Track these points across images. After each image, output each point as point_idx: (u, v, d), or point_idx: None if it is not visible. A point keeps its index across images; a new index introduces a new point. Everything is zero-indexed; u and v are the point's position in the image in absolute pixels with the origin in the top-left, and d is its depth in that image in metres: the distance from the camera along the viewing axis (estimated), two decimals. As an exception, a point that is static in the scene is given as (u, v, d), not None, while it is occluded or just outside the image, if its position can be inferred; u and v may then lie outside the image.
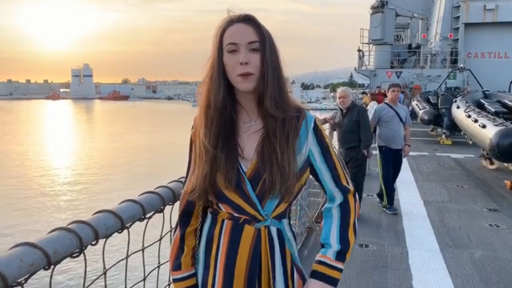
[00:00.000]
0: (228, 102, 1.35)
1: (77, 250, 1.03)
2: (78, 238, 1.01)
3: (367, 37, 25.57)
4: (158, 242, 1.51)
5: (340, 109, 5.86)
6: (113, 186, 18.34)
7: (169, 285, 1.53)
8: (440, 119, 13.48)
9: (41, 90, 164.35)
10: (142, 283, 1.43)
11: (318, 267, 1.37)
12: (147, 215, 1.34)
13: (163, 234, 1.52)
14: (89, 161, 26.90)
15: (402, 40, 30.76)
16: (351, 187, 1.47)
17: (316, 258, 1.40)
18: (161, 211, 1.44)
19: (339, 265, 1.37)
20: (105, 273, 1.22)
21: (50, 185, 20.07)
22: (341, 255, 1.38)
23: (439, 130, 14.57)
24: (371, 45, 25.72)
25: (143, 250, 1.41)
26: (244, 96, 1.37)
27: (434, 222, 5.53)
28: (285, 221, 1.40)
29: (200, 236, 1.45)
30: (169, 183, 1.54)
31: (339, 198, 1.45)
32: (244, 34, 1.30)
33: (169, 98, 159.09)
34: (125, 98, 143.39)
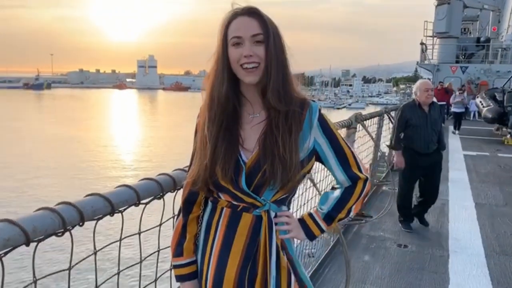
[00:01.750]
0: (231, 95, 1.37)
1: (61, 230, 1.10)
2: (61, 218, 1.08)
3: (431, 29, 24.43)
4: (158, 227, 1.57)
5: (418, 105, 4.85)
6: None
7: (170, 270, 1.58)
8: (506, 117, 12.69)
9: (109, 79, 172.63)
10: (139, 266, 1.49)
11: (306, 218, 1.52)
12: (143, 201, 1.39)
13: (163, 221, 1.57)
14: (147, 149, 28.02)
15: (470, 33, 29.11)
16: (363, 175, 1.50)
17: (309, 211, 1.56)
18: (161, 197, 1.49)
19: (323, 225, 1.52)
20: (95, 253, 1.28)
21: (114, 170, 21.20)
22: (328, 218, 1.51)
23: (504, 129, 13.71)
24: (435, 38, 24.56)
25: (139, 234, 1.47)
26: (249, 89, 1.39)
27: (483, 226, 5.24)
28: (284, 208, 1.45)
29: (200, 224, 1.48)
30: (173, 171, 1.59)
31: (346, 184, 1.51)
32: (248, 27, 1.31)
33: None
34: (186, 89, 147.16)
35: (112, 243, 1.37)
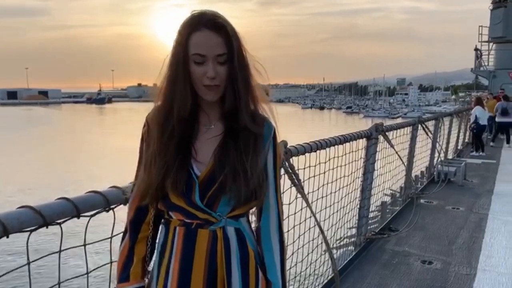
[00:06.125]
0: (192, 108, 1.31)
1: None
2: (-19, 229, 1.14)
3: (487, 34, 23.28)
4: (109, 240, 1.60)
5: None
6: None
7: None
8: None
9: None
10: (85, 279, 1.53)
11: None
12: (85, 214, 1.43)
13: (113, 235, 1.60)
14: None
15: (531, 36, 27.40)
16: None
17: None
18: (108, 210, 1.52)
19: None
20: (28, 264, 1.33)
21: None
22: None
23: None
24: (491, 44, 23.36)
25: (84, 245, 1.51)
26: (207, 102, 1.33)
27: (521, 243, 4.88)
28: (243, 219, 1.36)
29: (151, 248, 1.41)
30: (110, 187, 1.57)
31: (274, 213, 1.42)
32: (212, 45, 1.24)
33: (280, 101, 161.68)
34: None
35: (51, 254, 1.41)
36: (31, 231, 1.30)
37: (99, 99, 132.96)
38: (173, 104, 1.29)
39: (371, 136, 4.48)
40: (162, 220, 1.38)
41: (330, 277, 3.71)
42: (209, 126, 1.35)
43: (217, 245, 1.30)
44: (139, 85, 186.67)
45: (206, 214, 1.29)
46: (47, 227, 1.34)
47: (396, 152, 4.93)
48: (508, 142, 13.47)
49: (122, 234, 1.45)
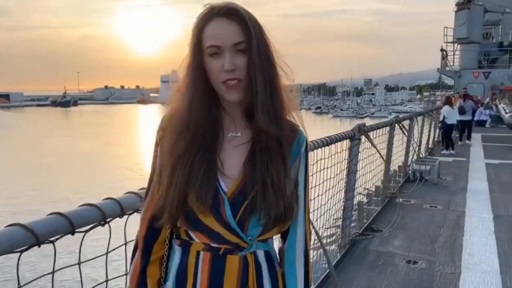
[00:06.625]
0: (213, 112, 1.15)
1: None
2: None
3: (452, 36, 23.97)
4: (105, 256, 1.47)
5: None
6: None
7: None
8: (530, 123, 12.23)
9: (133, 95, 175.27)
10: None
11: None
12: (79, 229, 1.29)
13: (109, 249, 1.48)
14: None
15: (492, 38, 28.41)
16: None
17: None
18: (104, 224, 1.39)
19: None
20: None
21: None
22: None
23: (529, 135, 13.22)
24: (456, 44, 24.07)
25: (79, 264, 1.38)
26: (231, 103, 1.15)
27: (500, 240, 4.97)
28: (270, 240, 1.21)
29: (167, 270, 1.22)
30: (105, 199, 1.43)
31: (301, 234, 1.24)
32: (227, 33, 1.08)
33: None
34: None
35: (45, 275, 1.28)
36: (22, 251, 1.17)
37: (64, 102, 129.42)
38: (191, 110, 1.12)
39: (354, 137, 4.45)
40: (178, 241, 1.19)
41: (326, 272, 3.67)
42: (235, 134, 1.17)
43: (248, 272, 1.14)
44: (106, 87, 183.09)
45: (237, 238, 1.12)
46: (39, 246, 1.21)
47: (378, 152, 4.94)
48: (468, 139, 13.86)
49: (129, 247, 1.33)
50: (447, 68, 23.94)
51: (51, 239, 1.23)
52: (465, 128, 14.03)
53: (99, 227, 1.39)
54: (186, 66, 1.15)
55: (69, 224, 1.26)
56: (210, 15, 1.10)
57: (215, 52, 1.09)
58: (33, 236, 1.15)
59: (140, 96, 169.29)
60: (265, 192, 1.10)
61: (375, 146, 4.73)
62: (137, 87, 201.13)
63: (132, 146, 37.63)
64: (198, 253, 1.14)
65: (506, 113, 13.34)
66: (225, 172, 1.13)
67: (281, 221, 1.13)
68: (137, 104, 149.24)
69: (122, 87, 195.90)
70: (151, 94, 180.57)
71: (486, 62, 23.71)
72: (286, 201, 1.12)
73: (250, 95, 1.11)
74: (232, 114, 1.17)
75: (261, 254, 1.16)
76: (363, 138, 4.68)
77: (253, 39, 1.08)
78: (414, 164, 8.45)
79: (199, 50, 1.11)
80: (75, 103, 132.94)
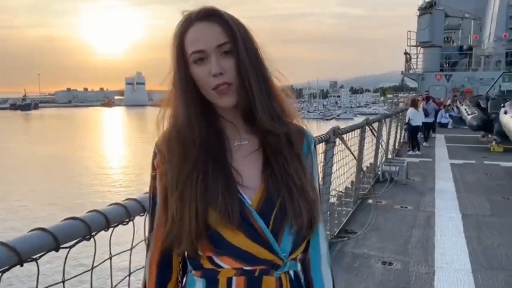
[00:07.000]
0: (211, 125, 1.07)
1: None
2: None
3: (415, 39, 24.69)
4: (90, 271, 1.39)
5: None
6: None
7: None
8: (491, 124, 12.70)
9: (97, 97, 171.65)
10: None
11: None
12: (64, 245, 1.21)
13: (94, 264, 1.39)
14: (132, 165, 27.68)
15: (453, 41, 29.48)
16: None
17: None
18: (90, 238, 1.30)
19: None
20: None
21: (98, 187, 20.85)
22: None
23: (490, 136, 13.73)
24: (419, 48, 24.81)
25: (63, 282, 1.29)
26: (227, 110, 1.08)
27: (469, 239, 5.10)
28: (297, 259, 1.12)
29: None
30: (89, 211, 1.34)
31: (324, 241, 1.20)
32: (209, 35, 1.01)
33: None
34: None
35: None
36: (3, 272, 1.07)
37: (24, 105, 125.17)
38: (191, 124, 1.05)
39: (330, 140, 4.48)
40: (198, 272, 1.07)
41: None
42: (241, 142, 1.09)
43: None
44: (69, 89, 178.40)
45: (272, 255, 1.01)
46: (21, 265, 1.12)
47: (352, 154, 4.98)
48: (426, 140, 14.27)
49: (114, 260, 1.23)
50: (410, 71, 24.64)
51: (34, 256, 1.14)
52: (429, 129, 14.43)
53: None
54: (172, 79, 1.08)
55: (53, 239, 1.17)
56: (189, 21, 1.04)
57: (199, 58, 1.02)
58: (15, 255, 1.06)
59: (105, 99, 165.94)
60: (292, 195, 1.03)
61: (349, 149, 4.77)
62: (101, 89, 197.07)
63: (97, 150, 36.77)
64: (229, 280, 1.02)
65: (468, 114, 13.79)
66: (244, 183, 1.04)
67: (311, 225, 1.05)
68: (102, 107, 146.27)
69: (86, 89, 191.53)
70: (116, 97, 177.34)
71: (447, 65, 24.58)
72: (312, 201, 1.06)
73: (245, 97, 1.04)
74: (233, 121, 1.10)
75: (292, 275, 1.08)
76: (337, 140, 4.72)
77: (238, 39, 1.02)
78: (383, 165, 8.60)
79: (183, 59, 1.05)
80: (36, 106, 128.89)
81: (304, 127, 1.17)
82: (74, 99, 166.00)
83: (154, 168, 1.11)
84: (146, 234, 1.22)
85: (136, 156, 30.88)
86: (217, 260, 1.02)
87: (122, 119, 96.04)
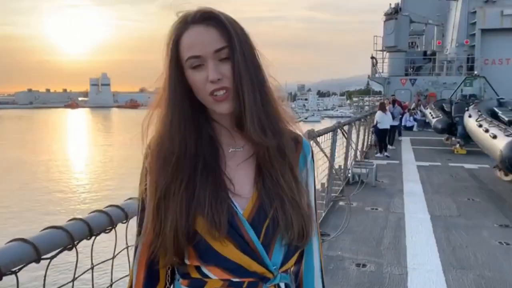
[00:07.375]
0: (204, 127, 1.04)
1: None
2: None
3: (381, 44, 25.27)
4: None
5: None
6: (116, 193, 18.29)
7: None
8: (454, 127, 13.09)
9: (60, 99, 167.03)
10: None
11: None
12: (44, 256, 1.13)
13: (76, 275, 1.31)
14: (99, 169, 27.04)
15: (417, 47, 30.34)
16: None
17: None
18: (72, 248, 1.22)
19: None
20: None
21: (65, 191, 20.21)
22: None
23: (453, 139, 14.16)
24: (385, 52, 25.40)
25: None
26: (223, 116, 1.04)
27: (439, 240, 5.22)
28: (289, 271, 1.09)
29: None
30: (70, 220, 1.27)
31: (317, 254, 1.16)
32: (207, 40, 0.96)
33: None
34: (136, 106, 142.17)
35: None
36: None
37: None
38: (181, 130, 1.01)
39: (304, 143, 4.47)
40: (185, 281, 1.03)
41: None
42: (236, 149, 1.06)
43: None
44: (30, 90, 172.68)
45: (262, 267, 0.98)
46: (0, 280, 1.03)
47: (326, 156, 5.00)
48: (391, 143, 14.57)
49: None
50: (376, 75, 25.16)
51: (14, 269, 1.06)
52: (395, 132, 14.76)
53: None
54: (164, 83, 1.03)
55: (34, 250, 1.09)
56: (184, 24, 0.99)
57: (197, 65, 0.98)
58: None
59: (68, 100, 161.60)
60: (284, 207, 0.99)
61: (323, 151, 4.78)
62: (65, 90, 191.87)
63: (60, 153, 35.69)
64: None
65: (433, 118, 14.17)
66: (236, 191, 1.00)
67: (303, 237, 1.01)
68: (65, 109, 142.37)
69: (48, 90, 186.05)
70: (80, 98, 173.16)
71: (412, 69, 25.27)
72: (305, 214, 1.02)
73: (239, 104, 0.99)
74: (228, 127, 1.05)
75: (283, 287, 1.04)
76: (312, 143, 4.72)
77: (235, 42, 0.98)
78: (353, 168, 8.71)
79: (178, 64, 1.00)
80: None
81: (301, 133, 1.14)
82: (35, 100, 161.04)
83: (144, 170, 1.06)
84: (134, 239, 1.16)
85: (99, 160, 30.23)
86: (204, 270, 0.99)
87: (86, 121, 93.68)
